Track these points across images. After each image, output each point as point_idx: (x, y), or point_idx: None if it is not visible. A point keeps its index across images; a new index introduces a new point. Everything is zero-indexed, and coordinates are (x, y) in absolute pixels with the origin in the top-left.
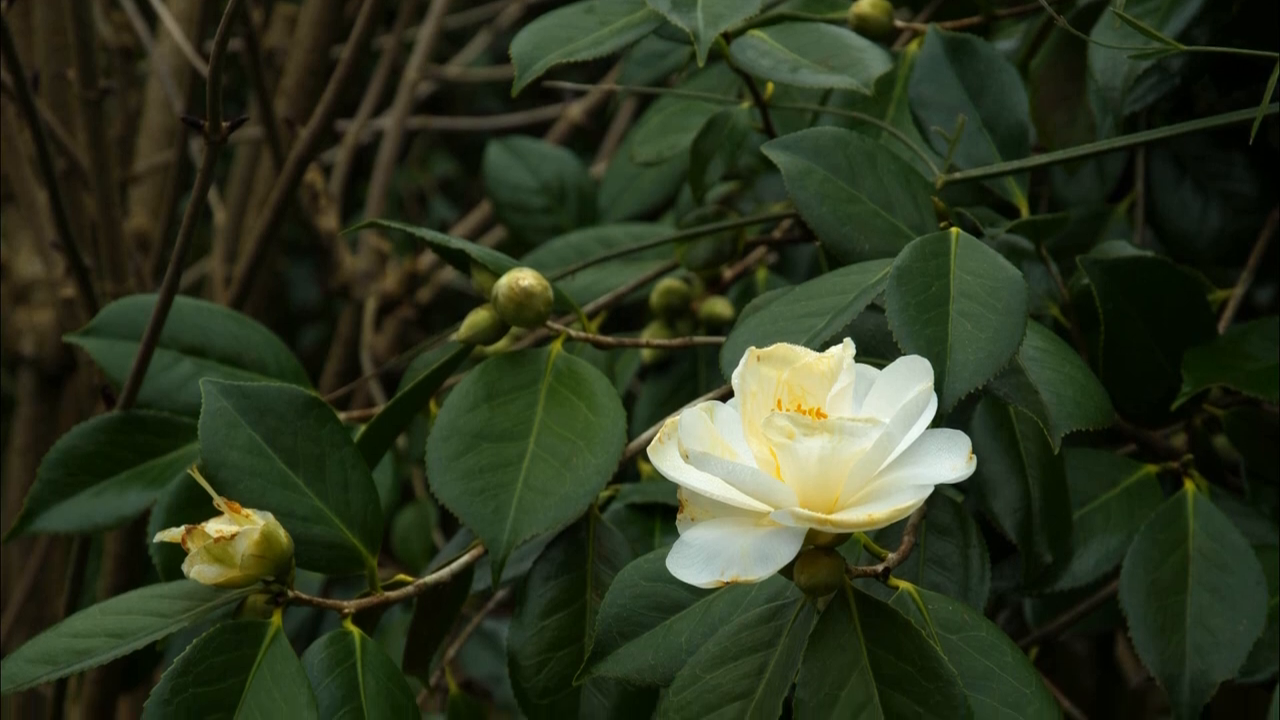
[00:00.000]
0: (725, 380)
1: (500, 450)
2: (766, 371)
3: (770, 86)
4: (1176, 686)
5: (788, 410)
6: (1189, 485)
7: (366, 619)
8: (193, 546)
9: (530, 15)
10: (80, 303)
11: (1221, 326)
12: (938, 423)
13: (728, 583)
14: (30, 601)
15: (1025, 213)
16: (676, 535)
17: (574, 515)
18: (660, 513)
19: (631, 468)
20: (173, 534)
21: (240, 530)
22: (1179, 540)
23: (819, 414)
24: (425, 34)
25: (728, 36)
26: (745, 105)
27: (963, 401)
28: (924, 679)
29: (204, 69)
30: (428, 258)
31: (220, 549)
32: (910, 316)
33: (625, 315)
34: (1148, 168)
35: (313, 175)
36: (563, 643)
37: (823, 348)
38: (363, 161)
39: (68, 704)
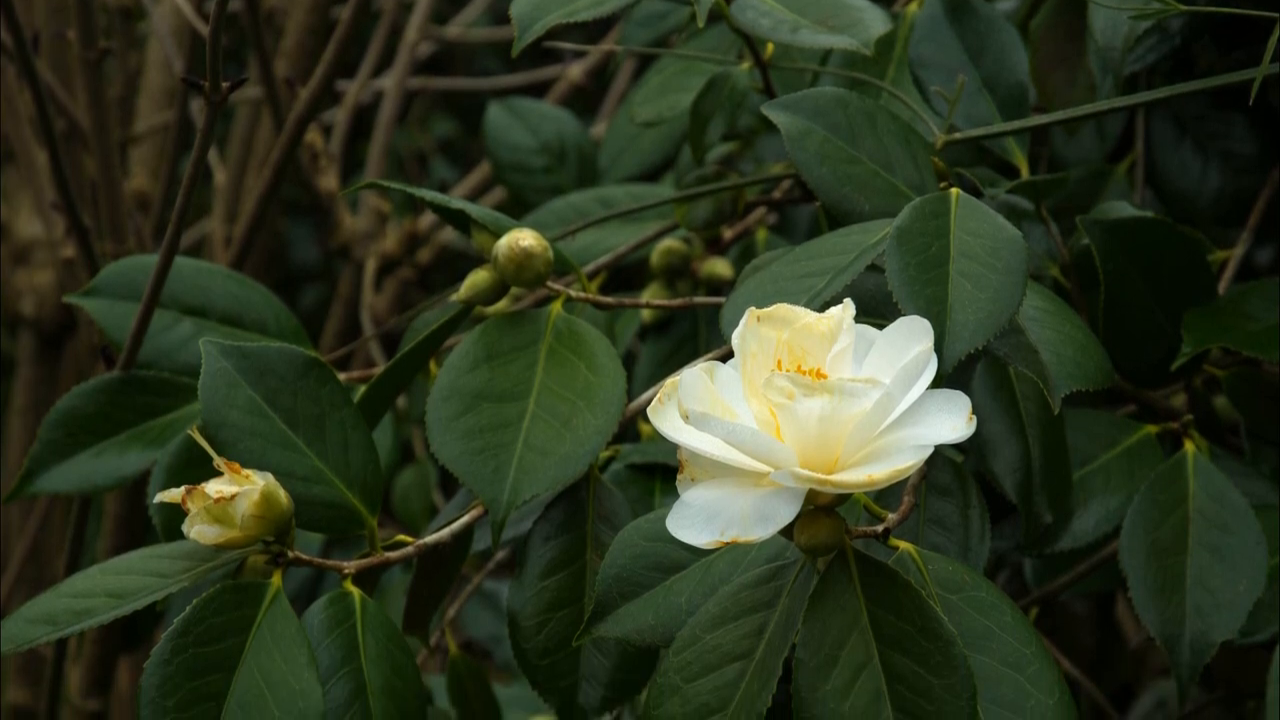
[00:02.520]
0: (725, 341)
1: (500, 410)
2: (766, 332)
3: (770, 47)
4: (1176, 647)
5: (788, 371)
6: (1189, 446)
7: (366, 579)
8: (193, 507)
9: None
10: (80, 263)
11: (1221, 287)
12: (938, 383)
13: (728, 543)
14: (30, 562)
15: (1025, 173)
16: (676, 496)
17: (574, 475)
18: (660, 473)
19: (632, 428)
20: (173, 494)
21: (240, 490)
22: (1179, 501)
23: (819, 374)
24: None
25: None
26: (745, 66)
27: (963, 362)
28: (924, 639)
29: (204, 29)
30: (428, 218)
31: (220, 509)
32: (910, 277)
33: (625, 276)
34: (1148, 128)
35: (313, 135)
36: (563, 603)
37: (823, 308)
38: (363, 122)
39: (68, 664)
